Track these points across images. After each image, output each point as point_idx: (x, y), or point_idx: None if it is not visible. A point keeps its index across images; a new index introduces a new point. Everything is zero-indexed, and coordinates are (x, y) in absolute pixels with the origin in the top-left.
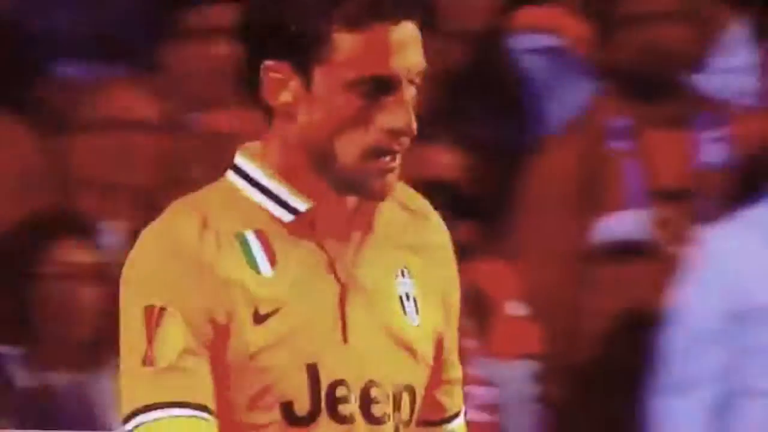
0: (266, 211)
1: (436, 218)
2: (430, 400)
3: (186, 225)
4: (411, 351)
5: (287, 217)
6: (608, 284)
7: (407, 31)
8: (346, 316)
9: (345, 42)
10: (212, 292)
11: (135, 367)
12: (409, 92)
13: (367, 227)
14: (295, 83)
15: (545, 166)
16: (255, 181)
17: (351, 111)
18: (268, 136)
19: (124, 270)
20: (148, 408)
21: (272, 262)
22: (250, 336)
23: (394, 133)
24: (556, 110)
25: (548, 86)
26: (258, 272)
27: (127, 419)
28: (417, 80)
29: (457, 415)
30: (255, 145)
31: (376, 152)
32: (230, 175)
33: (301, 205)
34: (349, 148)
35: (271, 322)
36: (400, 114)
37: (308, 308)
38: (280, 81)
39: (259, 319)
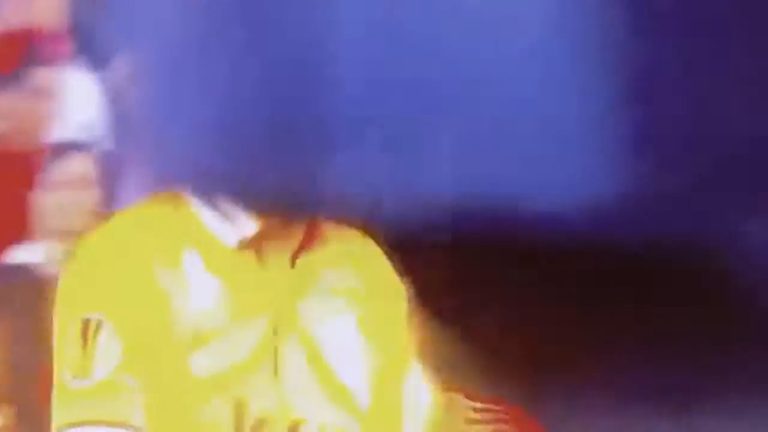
0: (213, 232)
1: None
2: None
3: (135, 233)
4: (343, 399)
5: (232, 239)
6: None
7: None
8: (278, 350)
9: None
10: (152, 310)
11: (68, 382)
12: None
13: (313, 268)
14: None
15: None
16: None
17: None
18: None
19: (61, 280)
20: (73, 425)
21: (210, 287)
22: (179, 367)
23: None
24: None
25: None
26: (193, 297)
27: None
28: None
29: None
30: None
31: None
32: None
33: (248, 227)
34: None
35: (202, 354)
36: None
37: (241, 339)
38: None
39: (189, 350)
